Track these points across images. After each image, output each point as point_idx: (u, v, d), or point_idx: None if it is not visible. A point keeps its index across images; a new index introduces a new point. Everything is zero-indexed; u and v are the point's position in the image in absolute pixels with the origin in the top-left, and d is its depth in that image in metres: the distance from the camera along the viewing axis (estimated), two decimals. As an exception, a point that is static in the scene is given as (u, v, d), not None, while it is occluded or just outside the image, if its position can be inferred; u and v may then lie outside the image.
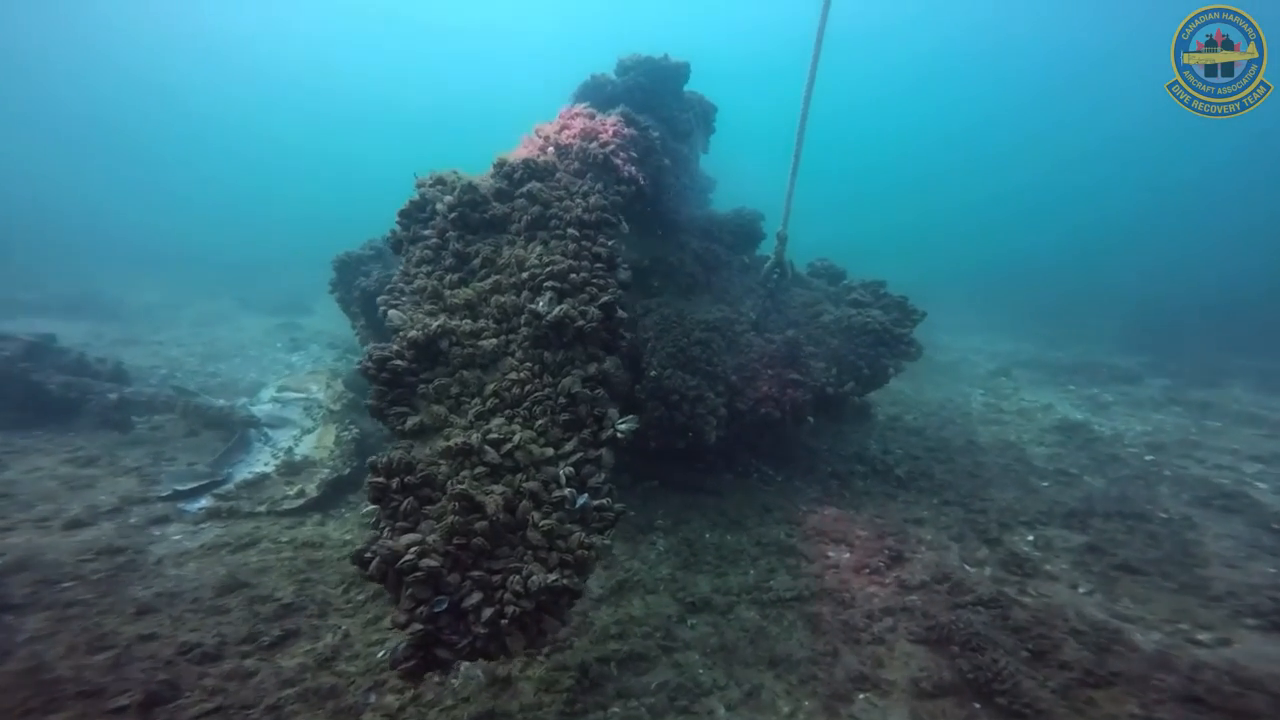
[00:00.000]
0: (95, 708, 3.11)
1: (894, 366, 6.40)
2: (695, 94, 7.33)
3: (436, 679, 3.47)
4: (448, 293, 3.22)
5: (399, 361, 2.92)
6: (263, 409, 7.24)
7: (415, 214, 3.61)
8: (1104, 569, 5.16)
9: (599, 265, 3.37)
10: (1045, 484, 7.02)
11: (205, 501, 5.51)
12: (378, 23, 49.19)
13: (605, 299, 3.21)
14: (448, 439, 2.76)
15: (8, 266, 18.37)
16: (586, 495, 2.92)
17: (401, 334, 3.02)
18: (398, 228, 3.66)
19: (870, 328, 6.34)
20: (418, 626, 2.28)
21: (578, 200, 3.57)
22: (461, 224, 3.50)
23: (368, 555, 2.37)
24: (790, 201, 6.20)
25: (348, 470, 5.90)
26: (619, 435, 3.11)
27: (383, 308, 3.19)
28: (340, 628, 3.91)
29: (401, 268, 3.47)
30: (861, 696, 3.64)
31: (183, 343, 12.44)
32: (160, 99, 48.52)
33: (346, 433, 6.33)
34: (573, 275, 3.24)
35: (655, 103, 6.55)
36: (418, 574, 2.31)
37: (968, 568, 5.07)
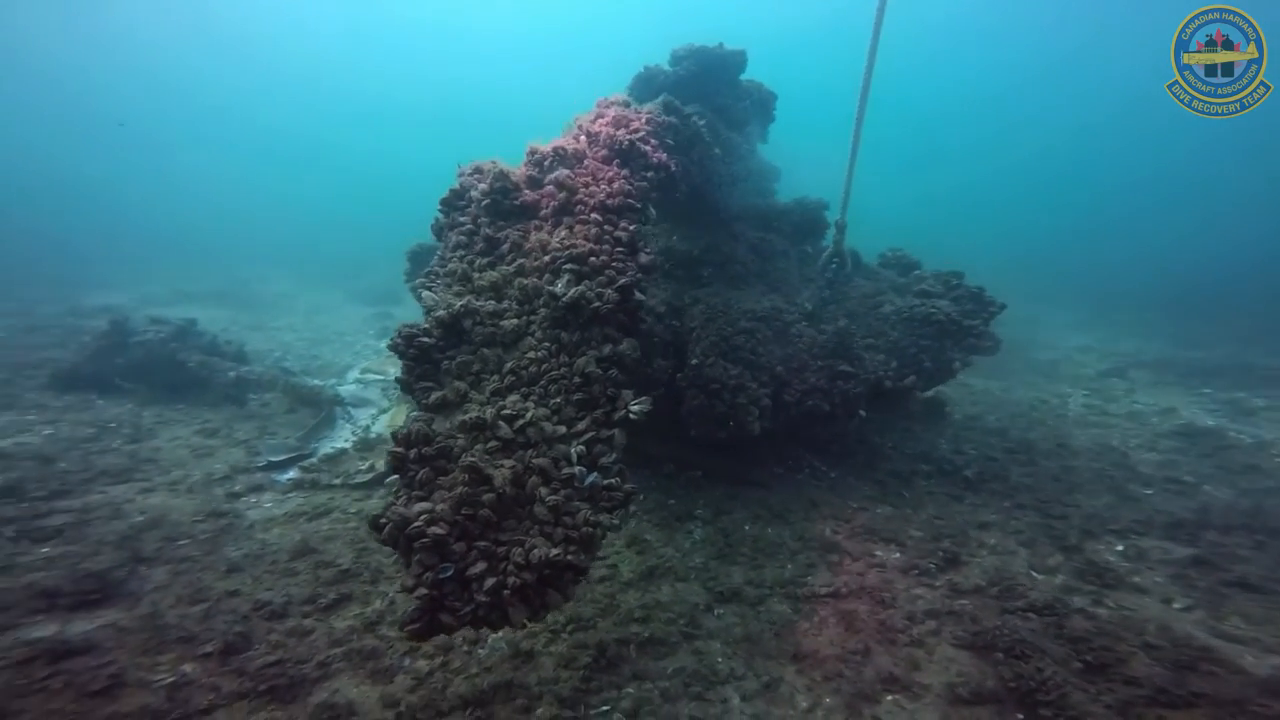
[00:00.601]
0: (189, 652, 3.52)
1: (960, 361, 6.04)
2: (754, 82, 7.22)
3: (465, 648, 3.67)
4: (476, 275, 3.39)
5: (425, 339, 3.12)
6: (348, 389, 7.85)
7: (454, 202, 3.82)
8: (1212, 584, 4.63)
9: (620, 249, 3.43)
10: (1149, 491, 6.40)
11: (293, 473, 6.04)
12: (440, 29, 52.19)
13: (622, 282, 3.26)
14: (466, 413, 2.92)
15: (176, 263, 21.02)
16: (596, 474, 2.98)
17: (431, 313, 3.22)
18: (440, 214, 3.88)
19: (934, 319, 6.01)
20: (423, 591, 2.43)
21: (602, 185, 3.65)
22: (493, 210, 3.67)
23: (382, 521, 2.56)
24: (849, 190, 6.00)
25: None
26: (632, 416, 3.16)
27: (419, 289, 3.42)
28: (388, 595, 4.19)
29: (440, 252, 3.69)
30: (889, 698, 3.49)
31: (295, 329, 13.72)
32: (293, 119, 53.39)
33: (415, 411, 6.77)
34: (592, 259, 3.31)
35: (708, 91, 6.51)
36: (424, 540, 2.46)
37: (1035, 574, 4.72)
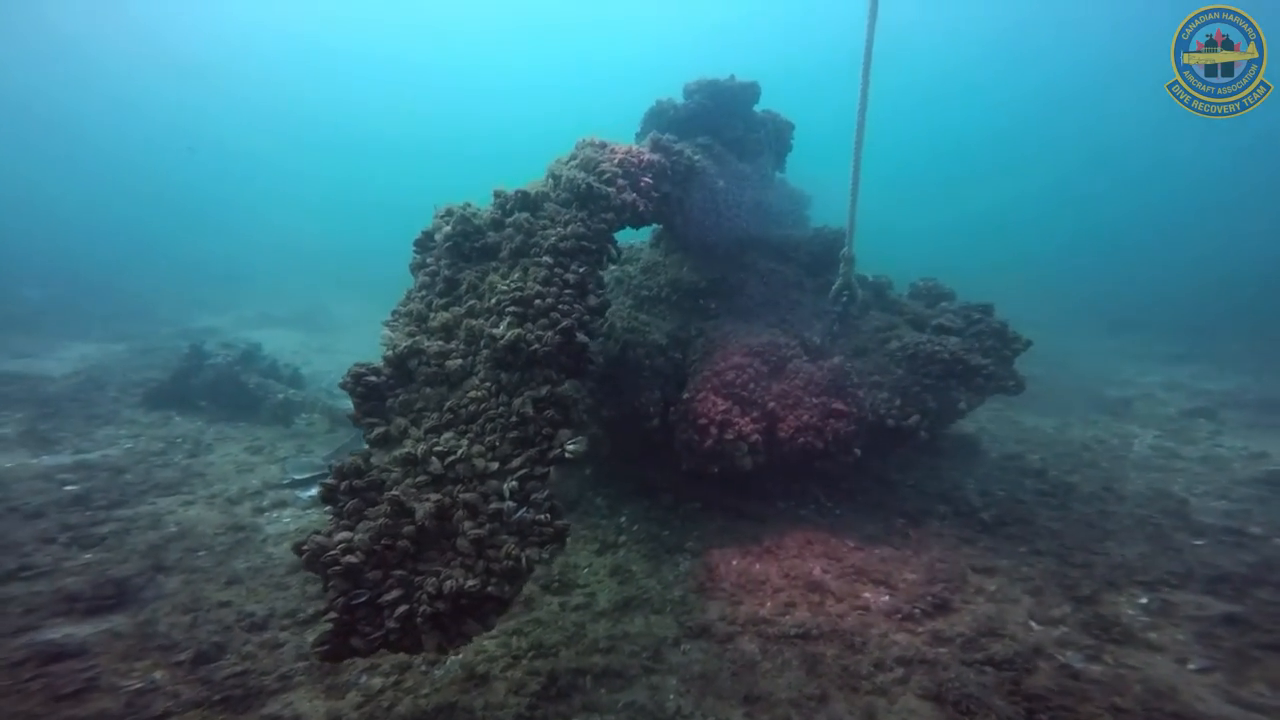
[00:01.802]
0: (164, 659, 3.84)
1: (965, 401, 5.80)
2: (770, 113, 7.27)
3: (423, 668, 3.85)
4: (431, 316, 3.63)
5: (373, 378, 3.37)
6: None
7: (425, 243, 4.10)
8: (1242, 646, 4.23)
9: (568, 291, 3.58)
10: (1199, 543, 5.90)
11: (314, 490, 6.49)
12: (472, 55, 55.03)
13: (564, 324, 3.41)
14: (401, 449, 3.13)
15: (268, 288, 22.98)
16: (525, 509, 3.13)
17: (384, 352, 3.48)
18: (414, 254, 4.17)
19: (939, 357, 5.81)
20: (334, 615, 2.64)
21: (555, 229, 3.82)
22: (454, 252, 3.91)
23: (304, 547, 2.79)
24: (853, 220, 5.94)
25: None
26: (567, 455, 3.29)
27: (384, 326, 3.70)
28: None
29: (408, 291, 3.96)
30: (835, 748, 3.43)
31: (355, 352, 14.59)
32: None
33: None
34: (537, 301, 3.48)
35: (719, 124, 6.63)
36: (337, 568, 2.67)
37: (1033, 624, 4.46)
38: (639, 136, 6.61)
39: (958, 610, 4.61)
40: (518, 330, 3.34)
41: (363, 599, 2.66)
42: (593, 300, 3.66)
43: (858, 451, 5.51)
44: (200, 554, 5.15)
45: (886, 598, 4.76)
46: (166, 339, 14.49)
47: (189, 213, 43.19)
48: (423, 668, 3.83)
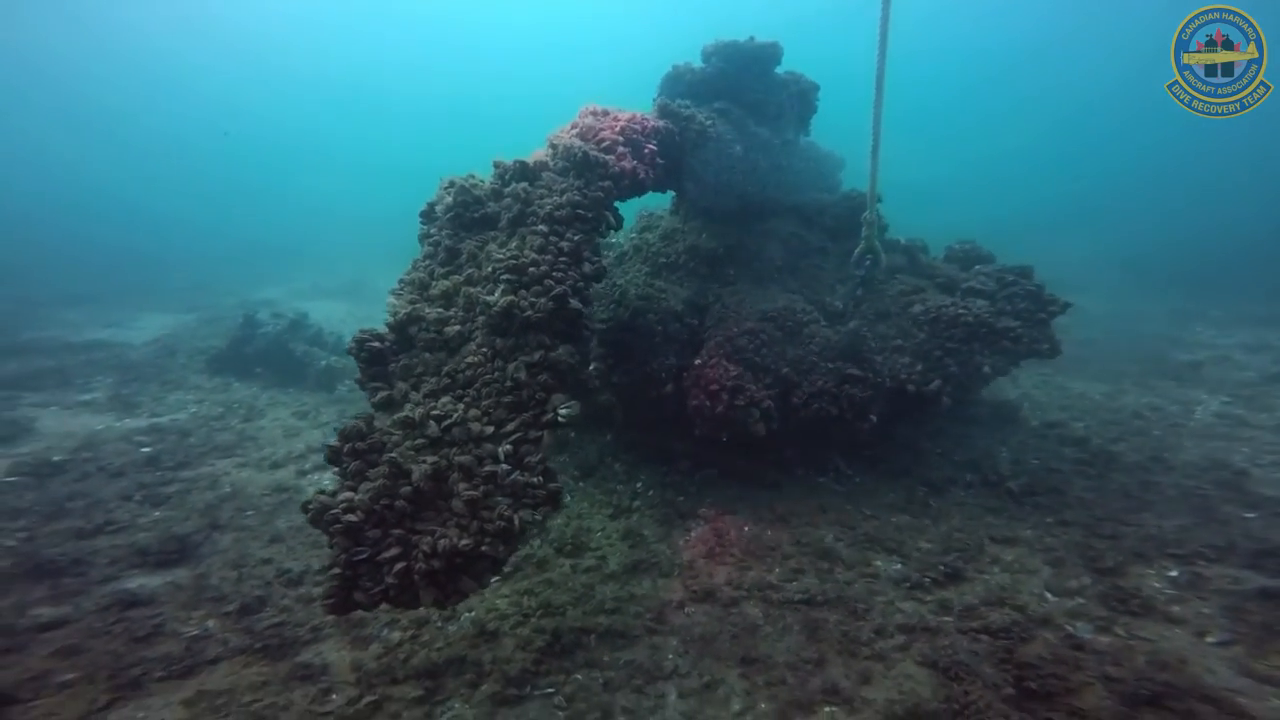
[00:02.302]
0: (216, 610, 4.26)
1: (990, 365, 5.60)
2: (793, 74, 7.03)
3: (439, 624, 4.10)
4: (433, 284, 3.77)
5: (376, 343, 3.54)
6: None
7: (430, 214, 4.22)
8: (1271, 620, 4.04)
9: (563, 259, 3.64)
10: (1251, 515, 5.60)
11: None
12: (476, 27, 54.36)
13: (557, 290, 3.49)
14: (401, 412, 3.31)
15: (323, 261, 23.92)
16: (518, 471, 3.26)
17: (389, 318, 3.66)
18: (420, 225, 4.31)
19: (962, 320, 5.62)
20: (336, 570, 2.85)
21: (552, 197, 3.87)
22: (456, 222, 4.01)
23: (310, 506, 3.00)
24: (874, 184, 5.76)
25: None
26: (560, 419, 3.40)
27: (389, 295, 3.87)
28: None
29: (414, 260, 4.11)
30: (826, 709, 3.48)
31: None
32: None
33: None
34: (531, 268, 3.55)
35: (737, 87, 6.47)
36: (338, 526, 2.88)
37: (1049, 595, 4.38)
38: (656, 102, 6.53)
39: (970, 580, 4.57)
40: (510, 297, 3.44)
41: (363, 556, 2.85)
42: (587, 267, 3.72)
43: (873, 418, 5.44)
44: (249, 514, 5.58)
45: (898, 566, 4.75)
46: (230, 309, 15.29)
47: (247, 189, 45.20)
48: (438, 623, 4.08)
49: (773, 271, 6.35)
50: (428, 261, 3.97)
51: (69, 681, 3.54)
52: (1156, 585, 4.52)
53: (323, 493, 3.05)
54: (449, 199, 4.02)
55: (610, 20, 54.92)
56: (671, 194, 6.73)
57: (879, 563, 4.80)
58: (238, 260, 25.41)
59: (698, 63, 6.68)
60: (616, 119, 4.49)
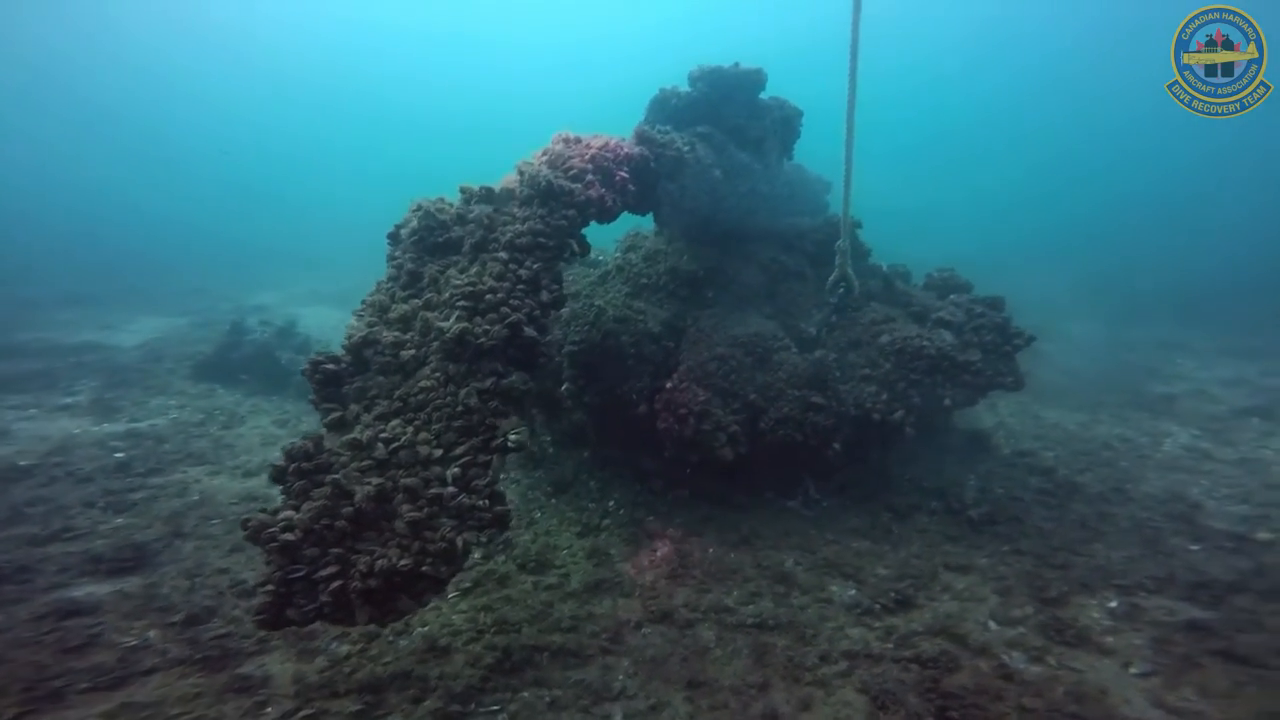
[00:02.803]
0: (161, 620, 4.23)
1: (951, 398, 5.71)
2: (776, 100, 7.18)
3: (390, 638, 4.14)
4: (393, 307, 3.86)
5: (330, 365, 3.62)
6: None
7: (396, 236, 4.31)
8: (1192, 651, 4.17)
9: (520, 286, 3.74)
10: (1195, 548, 5.72)
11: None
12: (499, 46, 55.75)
13: (512, 318, 3.58)
14: (350, 434, 3.39)
15: (322, 266, 23.98)
16: (463, 494, 3.34)
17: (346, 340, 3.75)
18: (387, 246, 4.40)
19: (925, 352, 5.73)
20: (269, 587, 2.91)
21: (514, 225, 3.98)
22: (419, 246, 4.10)
23: (250, 523, 3.07)
24: (848, 211, 5.88)
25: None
26: (510, 444, 3.48)
27: (351, 316, 3.96)
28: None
29: (378, 282, 4.20)
30: (766, 735, 3.56)
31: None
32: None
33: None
34: (488, 295, 3.65)
35: (722, 112, 6.61)
36: (274, 544, 2.94)
37: (992, 624, 4.47)
38: (646, 123, 6.66)
39: (920, 607, 4.65)
40: (465, 324, 3.53)
41: (299, 574, 2.92)
42: (545, 295, 3.81)
43: (837, 445, 5.53)
44: (214, 522, 5.61)
45: (853, 591, 4.83)
46: (223, 314, 15.33)
47: (249, 194, 45.66)
48: (389, 637, 4.13)
49: (751, 296, 6.47)
50: (390, 284, 4.06)
51: None
52: (1095, 616, 4.62)
53: (264, 510, 3.12)
54: (414, 222, 4.12)
55: (616, 39, 55.93)
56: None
57: (834, 588, 4.88)
58: (236, 264, 25.49)
59: (684, 86, 6.82)
60: (588, 146, 4.60)
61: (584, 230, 4.75)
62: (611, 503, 5.96)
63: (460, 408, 3.45)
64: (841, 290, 6.31)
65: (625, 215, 5.83)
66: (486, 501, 3.33)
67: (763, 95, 7.07)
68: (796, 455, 5.71)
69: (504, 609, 4.47)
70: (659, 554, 5.21)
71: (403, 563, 3.01)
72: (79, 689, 3.57)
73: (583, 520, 5.68)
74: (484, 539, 3.28)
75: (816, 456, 5.70)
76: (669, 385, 5.45)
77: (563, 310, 5.84)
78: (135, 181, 46.17)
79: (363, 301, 4.06)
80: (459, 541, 3.19)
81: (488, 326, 3.54)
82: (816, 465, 6.14)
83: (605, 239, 8.00)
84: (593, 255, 7.73)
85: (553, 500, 6.05)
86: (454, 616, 4.37)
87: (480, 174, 4.67)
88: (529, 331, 3.62)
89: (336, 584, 2.91)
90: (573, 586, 4.79)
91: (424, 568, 3.07)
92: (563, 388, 5.63)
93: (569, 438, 6.64)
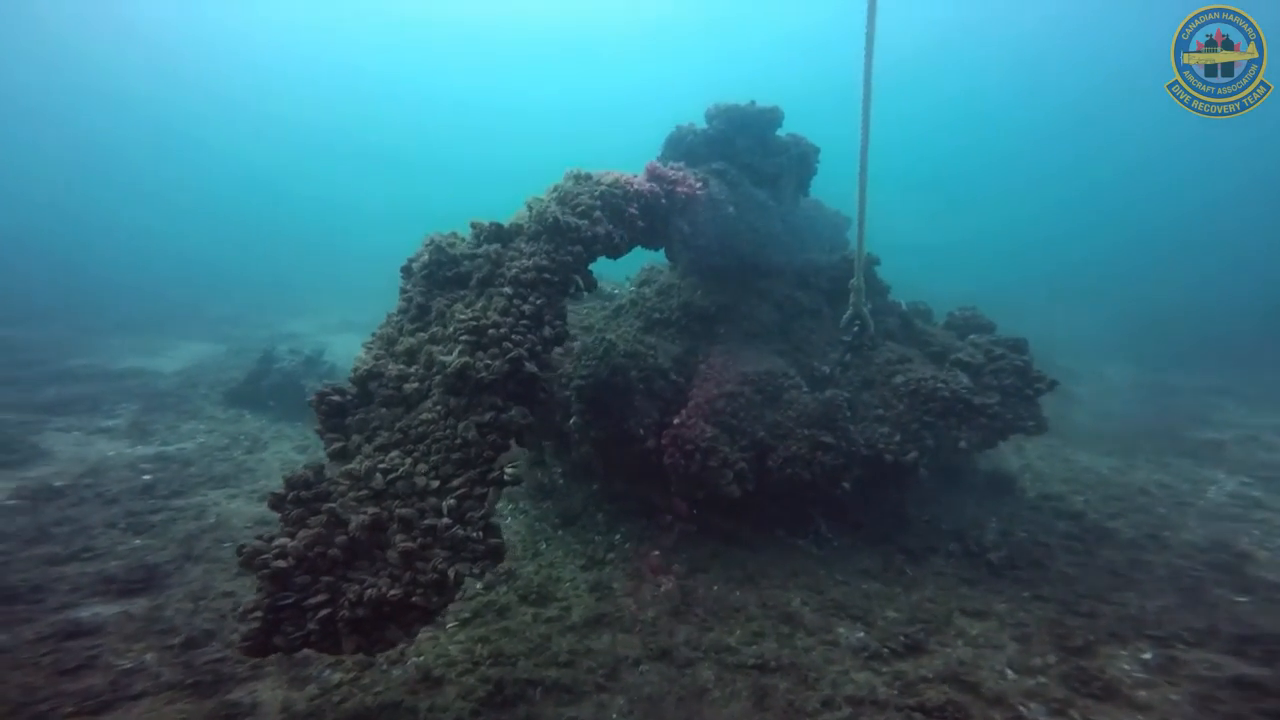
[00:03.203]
0: (159, 642, 4.25)
1: (966, 440, 5.58)
2: (793, 136, 7.26)
3: (383, 667, 4.14)
4: (400, 340, 3.95)
5: (336, 397, 3.71)
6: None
7: (408, 269, 4.42)
8: (1241, 711, 3.90)
9: (524, 322, 3.79)
10: (1243, 599, 5.43)
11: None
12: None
13: (513, 353, 3.63)
14: (350, 464, 3.45)
15: (353, 295, 24.58)
16: (458, 526, 3.36)
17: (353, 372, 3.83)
18: (400, 280, 4.52)
19: (939, 394, 5.63)
20: (257, 614, 2.94)
21: (520, 260, 4.06)
22: (429, 280, 4.20)
23: (245, 549, 3.12)
24: (862, 249, 5.86)
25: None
26: (506, 478, 3.51)
27: (361, 348, 4.06)
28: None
29: (389, 314, 4.31)
30: (762, 781, 3.45)
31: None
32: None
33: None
34: (491, 330, 3.71)
35: (737, 149, 6.71)
36: (265, 571, 2.99)
37: (1008, 673, 4.27)
38: (661, 160, 6.78)
39: (930, 653, 4.48)
40: (466, 358, 3.59)
41: (288, 601, 2.95)
42: (548, 331, 3.86)
43: (846, 485, 5.43)
44: (226, 545, 5.70)
45: (861, 634, 4.68)
46: (258, 341, 15.83)
47: (292, 229, 48.41)
48: (383, 667, 4.11)
49: (764, 332, 6.46)
50: (399, 317, 4.16)
51: None
52: (1126, 668, 4.39)
53: (259, 537, 3.18)
54: (425, 256, 4.23)
55: (641, 85, 58.35)
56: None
57: (842, 630, 4.74)
58: (275, 294, 26.47)
59: (701, 124, 6.95)
60: (598, 183, 4.70)
61: (594, 264, 4.86)
62: (618, 536, 5.92)
63: (459, 440, 3.49)
64: (856, 328, 6.26)
65: (640, 250, 5.96)
66: (480, 534, 3.34)
67: (780, 132, 7.17)
68: (806, 494, 5.62)
69: (501, 641, 4.43)
70: (662, 590, 5.14)
71: (392, 593, 3.02)
72: (63, 713, 3.58)
73: (588, 553, 5.64)
74: (477, 571, 3.27)
75: (827, 496, 5.60)
76: (676, 421, 5.44)
77: (574, 344, 5.93)
78: (191, 220, 49.15)
79: (372, 334, 4.17)
80: (451, 573, 3.19)
81: (489, 361, 3.60)
82: (828, 504, 6.04)
83: (620, 273, 8.11)
84: (608, 289, 7.83)
85: (559, 532, 6.03)
86: (450, 647, 4.34)
87: (509, 211, 4.85)
88: (529, 367, 3.67)
89: (324, 612, 2.93)
90: (573, 620, 4.73)
91: (414, 598, 3.08)
92: (570, 422, 5.66)
93: (580, 470, 6.64)
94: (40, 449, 8.35)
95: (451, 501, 3.38)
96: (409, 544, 3.18)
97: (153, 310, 21.19)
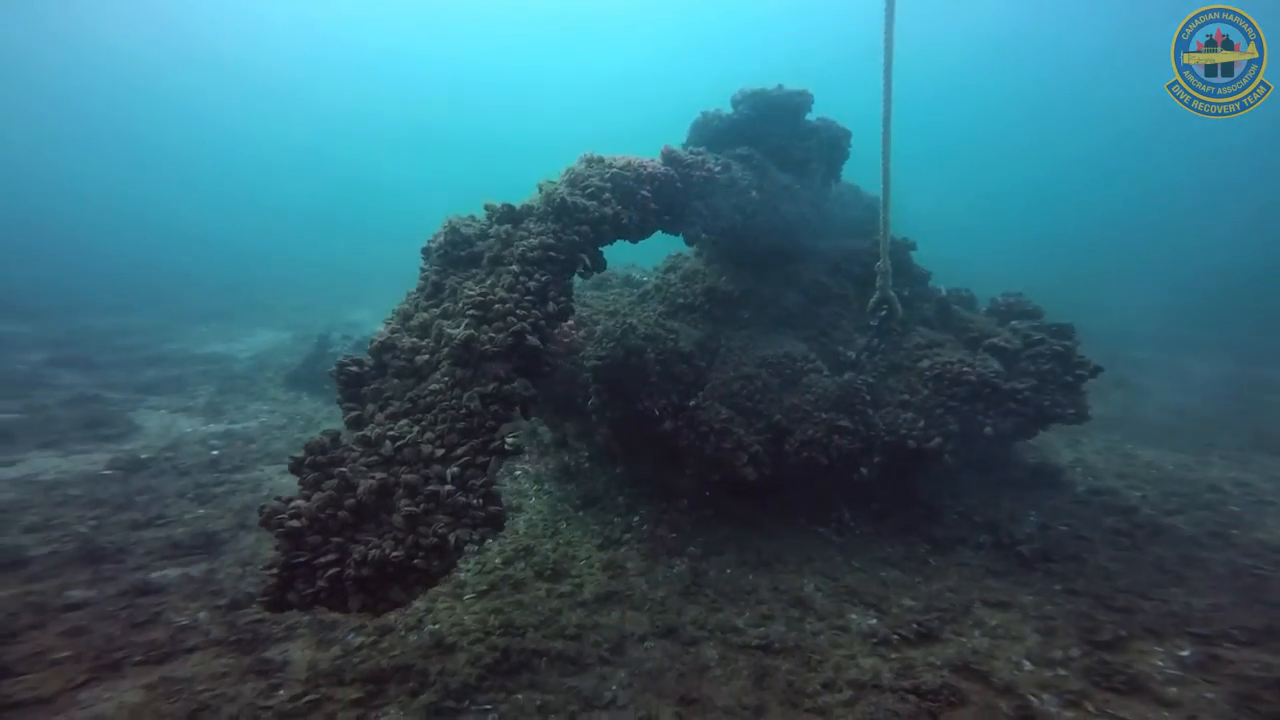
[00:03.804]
0: (211, 602, 4.60)
1: (992, 426, 5.36)
2: (824, 120, 7.12)
3: (402, 633, 4.37)
4: (416, 315, 4.15)
5: (353, 368, 3.94)
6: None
7: (428, 251, 4.63)
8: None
9: (529, 298, 3.91)
10: None
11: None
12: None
13: (516, 327, 3.76)
14: (363, 431, 3.66)
15: (407, 284, 25.76)
16: (459, 492, 3.52)
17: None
18: (420, 261, 4.73)
19: (965, 379, 5.42)
20: (274, 570, 3.17)
21: (528, 239, 4.18)
22: (444, 259, 4.38)
23: (264, 509, 3.37)
24: (886, 232, 5.72)
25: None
26: (506, 447, 3.65)
27: (382, 323, 4.29)
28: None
29: (408, 293, 4.52)
30: (751, 757, 3.48)
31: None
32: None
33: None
34: (497, 305, 3.84)
35: (763, 133, 6.63)
36: (281, 530, 3.22)
37: (1025, 664, 4.13)
38: (685, 146, 6.79)
39: (944, 641, 4.38)
40: (471, 331, 3.75)
41: (302, 559, 3.17)
42: (552, 306, 3.97)
43: (864, 470, 5.33)
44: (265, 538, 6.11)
45: (873, 621, 4.62)
46: (320, 329, 16.75)
47: (356, 222, 51.25)
48: (401, 633, 4.35)
49: (789, 318, 6.40)
50: (417, 294, 4.37)
51: (60, 659, 3.96)
52: (1159, 664, 4.17)
53: (278, 499, 3.42)
54: (442, 237, 4.43)
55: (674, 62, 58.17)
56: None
57: (854, 616, 4.68)
58: (341, 283, 27.91)
59: (727, 109, 6.91)
60: (610, 165, 4.77)
61: (612, 248, 4.94)
62: (636, 518, 6.00)
63: (464, 410, 3.65)
64: (883, 313, 6.12)
65: (669, 238, 6.01)
66: (481, 500, 3.48)
67: (810, 117, 7.04)
68: (827, 479, 5.55)
69: (514, 613, 4.61)
70: (675, 571, 5.20)
71: (395, 554, 3.21)
72: (134, 661, 4.01)
73: (605, 534, 5.75)
74: (477, 537, 3.42)
75: (848, 482, 5.51)
76: (692, 403, 5.47)
77: (597, 327, 6.04)
78: (263, 218, 52.54)
79: (393, 310, 4.40)
80: (451, 538, 3.36)
81: (493, 334, 3.74)
82: (850, 491, 5.94)
83: (651, 261, 8.17)
84: (638, 276, 7.90)
85: (580, 513, 6.17)
86: (465, 617, 4.54)
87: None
88: (532, 340, 3.79)
89: (333, 571, 3.14)
90: (584, 596, 4.86)
91: (416, 561, 3.26)
92: (589, 402, 5.77)
93: (604, 454, 6.76)
94: (134, 425, 9.32)
95: (455, 469, 3.54)
96: (412, 508, 3.36)
97: (236, 300, 22.74)
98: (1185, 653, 4.29)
